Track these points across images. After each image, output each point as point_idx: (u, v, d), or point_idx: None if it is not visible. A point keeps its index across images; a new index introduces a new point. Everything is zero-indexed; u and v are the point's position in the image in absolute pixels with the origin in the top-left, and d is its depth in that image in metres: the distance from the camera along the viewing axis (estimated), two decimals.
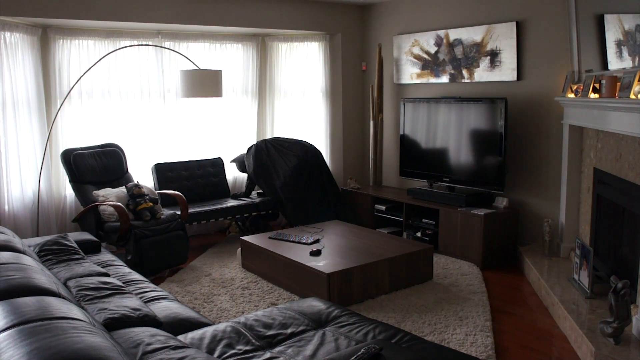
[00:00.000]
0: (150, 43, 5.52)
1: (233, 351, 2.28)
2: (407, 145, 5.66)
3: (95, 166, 4.94)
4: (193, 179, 5.61)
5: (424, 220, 5.22)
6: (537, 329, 3.47)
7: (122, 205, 4.42)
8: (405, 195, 5.54)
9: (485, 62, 5.14)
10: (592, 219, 4.05)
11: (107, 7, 4.93)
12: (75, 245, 3.14)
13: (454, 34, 5.41)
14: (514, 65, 4.87)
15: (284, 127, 6.40)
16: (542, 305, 3.86)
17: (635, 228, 3.40)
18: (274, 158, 5.71)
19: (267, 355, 2.26)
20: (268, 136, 6.34)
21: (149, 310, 2.31)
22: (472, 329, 3.40)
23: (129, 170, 5.26)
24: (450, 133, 5.22)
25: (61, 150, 4.94)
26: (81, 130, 5.29)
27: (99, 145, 5.14)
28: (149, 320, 2.22)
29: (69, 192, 5.17)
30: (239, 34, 6.07)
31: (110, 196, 4.59)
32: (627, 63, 3.61)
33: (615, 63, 3.76)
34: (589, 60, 4.04)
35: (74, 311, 1.73)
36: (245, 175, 6.02)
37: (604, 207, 3.90)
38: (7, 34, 4.74)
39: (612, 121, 3.39)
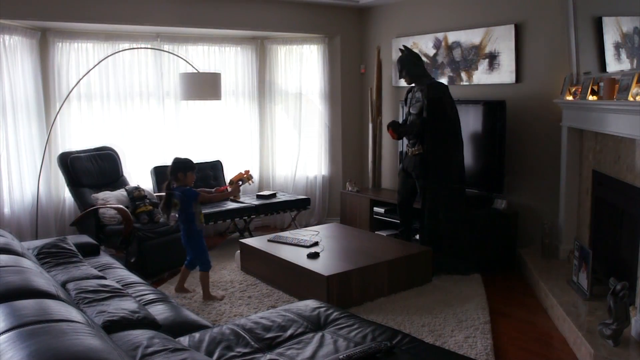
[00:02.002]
0: (149, 46, 5.52)
1: (232, 353, 2.28)
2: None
3: (92, 169, 4.94)
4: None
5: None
6: (536, 331, 3.47)
7: (125, 208, 4.42)
8: None
9: (483, 64, 5.15)
10: (591, 221, 4.05)
11: (106, 10, 4.93)
12: (74, 248, 3.14)
13: (452, 36, 5.42)
14: (513, 67, 4.87)
15: (284, 128, 6.41)
16: (541, 307, 3.86)
17: (634, 230, 3.40)
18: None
19: (267, 357, 2.26)
20: (268, 138, 6.34)
21: (148, 313, 2.31)
22: (471, 331, 3.40)
23: (126, 173, 5.26)
24: None
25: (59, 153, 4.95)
26: (80, 134, 5.29)
27: (94, 149, 5.15)
28: (148, 323, 2.21)
29: (67, 195, 5.16)
30: (238, 37, 6.08)
31: (110, 199, 4.59)
32: (626, 65, 3.62)
33: (614, 65, 3.77)
34: (588, 62, 4.04)
35: (73, 313, 1.73)
36: None
37: (603, 209, 3.90)
38: (6, 37, 4.75)
39: (611, 123, 3.39)
